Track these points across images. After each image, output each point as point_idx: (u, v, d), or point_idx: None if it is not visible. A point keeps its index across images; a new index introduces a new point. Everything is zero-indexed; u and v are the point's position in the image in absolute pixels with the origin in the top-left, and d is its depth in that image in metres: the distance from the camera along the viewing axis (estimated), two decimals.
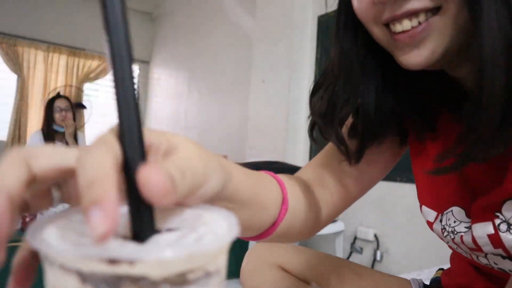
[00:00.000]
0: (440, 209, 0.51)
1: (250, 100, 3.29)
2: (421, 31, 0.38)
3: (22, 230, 2.09)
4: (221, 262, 0.22)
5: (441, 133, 0.52)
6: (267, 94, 3.11)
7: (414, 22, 0.38)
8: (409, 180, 2.28)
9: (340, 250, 2.31)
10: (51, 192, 0.25)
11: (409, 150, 0.60)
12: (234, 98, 3.97)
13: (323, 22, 2.95)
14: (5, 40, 4.99)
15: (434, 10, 0.37)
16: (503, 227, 0.41)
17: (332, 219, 0.60)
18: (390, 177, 2.39)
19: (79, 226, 0.20)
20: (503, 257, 0.44)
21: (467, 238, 0.45)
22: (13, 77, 5.14)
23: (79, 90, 5.46)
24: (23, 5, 5.12)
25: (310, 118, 0.55)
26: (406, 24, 0.38)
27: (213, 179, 0.28)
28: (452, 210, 0.48)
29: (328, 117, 0.52)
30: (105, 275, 0.17)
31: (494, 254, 0.44)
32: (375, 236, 2.46)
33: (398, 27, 0.39)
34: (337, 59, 0.52)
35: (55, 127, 2.70)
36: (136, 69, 6.17)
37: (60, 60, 5.41)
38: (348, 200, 0.60)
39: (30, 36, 5.17)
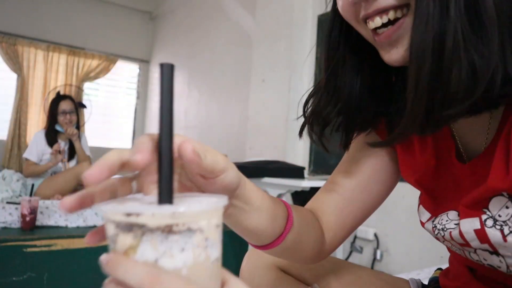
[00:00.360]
0: (435, 212, 0.54)
1: (250, 99, 3.29)
2: (395, 30, 0.42)
3: (22, 229, 2.09)
4: (204, 224, 0.30)
5: (432, 140, 0.54)
6: (267, 94, 3.11)
7: (385, 19, 0.41)
8: None
9: (340, 249, 2.32)
10: (131, 183, 0.35)
11: (398, 155, 0.62)
12: (234, 97, 3.97)
13: (323, 21, 2.95)
14: (5, 39, 4.99)
15: (405, 9, 0.41)
16: (489, 222, 0.43)
17: (338, 244, 0.63)
18: None
19: (124, 200, 0.32)
20: (491, 253, 0.45)
21: (455, 234, 0.47)
22: (13, 76, 5.14)
23: (79, 90, 5.46)
24: (23, 5, 5.12)
25: (302, 121, 0.60)
26: (377, 21, 0.42)
27: (231, 172, 0.37)
28: (447, 213, 0.51)
29: (313, 118, 0.57)
30: (124, 223, 0.28)
31: (482, 250, 0.46)
32: (375, 235, 2.47)
33: (371, 24, 0.43)
34: (326, 64, 0.56)
35: (57, 128, 2.71)
36: (136, 68, 6.18)
37: (60, 60, 5.41)
38: (350, 227, 0.64)
39: (30, 36, 5.17)
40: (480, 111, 0.42)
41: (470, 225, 0.45)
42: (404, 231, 2.32)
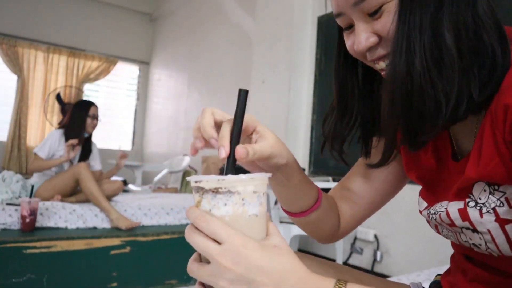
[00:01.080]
0: (431, 202, 0.61)
1: (250, 100, 3.28)
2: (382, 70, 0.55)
3: (22, 230, 2.09)
4: (241, 189, 0.43)
5: (432, 143, 0.63)
6: (267, 94, 3.11)
7: (386, 62, 0.53)
8: (409, 181, 2.28)
9: (340, 250, 2.31)
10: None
11: (402, 156, 0.70)
12: (234, 98, 3.95)
13: (323, 23, 2.95)
14: (5, 41, 5.00)
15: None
16: (472, 204, 0.51)
17: (349, 231, 0.75)
18: None
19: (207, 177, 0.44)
20: (472, 231, 0.52)
21: (444, 215, 0.55)
22: (13, 77, 5.14)
23: (79, 91, 5.47)
24: (23, 6, 5.13)
25: (322, 139, 0.71)
26: (382, 64, 0.54)
27: (277, 158, 0.55)
28: (441, 203, 0.58)
29: (332, 137, 0.68)
30: (195, 187, 0.44)
31: (466, 228, 0.53)
32: (375, 236, 2.46)
33: (377, 66, 0.55)
34: (337, 89, 0.66)
35: (82, 132, 2.68)
36: (136, 70, 6.18)
37: (60, 61, 5.41)
38: (361, 219, 0.76)
39: (30, 37, 5.18)
40: (464, 118, 0.49)
41: (455, 206, 0.53)
42: (404, 232, 2.32)
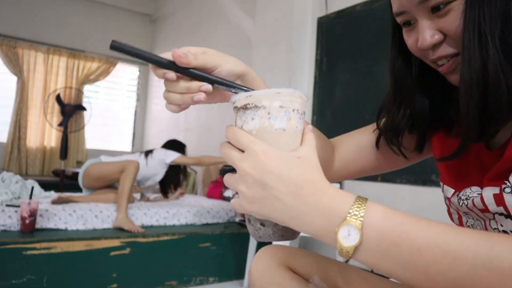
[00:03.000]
0: (459, 188, 0.61)
1: None
2: (450, 65, 0.56)
3: (22, 232, 2.09)
4: (267, 103, 0.45)
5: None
6: None
7: (446, 60, 0.56)
8: (408, 181, 2.28)
9: None
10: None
11: (433, 142, 0.70)
12: None
13: (323, 24, 2.95)
14: (5, 42, 5.00)
15: (456, 54, 0.55)
16: (508, 190, 0.51)
17: (342, 175, 0.75)
18: (389, 179, 2.39)
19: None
20: (506, 216, 0.52)
21: (477, 200, 0.55)
22: (13, 79, 5.14)
23: (79, 92, 5.47)
24: (23, 7, 5.13)
25: (377, 132, 0.72)
26: (443, 61, 0.56)
27: (229, 65, 0.52)
28: (470, 188, 0.58)
29: (389, 131, 0.68)
30: (233, 108, 0.48)
31: (499, 214, 0.53)
32: None
33: (439, 63, 0.57)
34: (393, 84, 0.67)
35: None
36: (135, 71, 6.18)
37: (60, 62, 5.41)
38: (360, 170, 0.76)
39: (30, 38, 5.18)
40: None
41: (491, 191, 0.53)
42: None
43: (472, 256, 0.38)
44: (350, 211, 0.40)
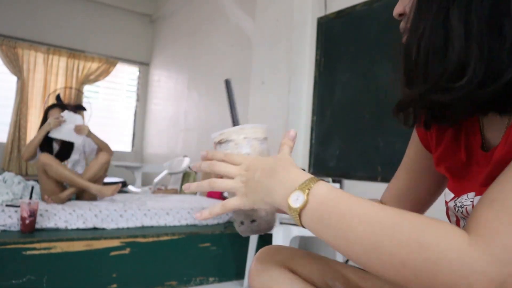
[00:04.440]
0: (458, 193, 0.61)
1: (249, 101, 3.29)
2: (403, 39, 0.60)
3: (22, 232, 2.09)
4: (235, 137, 0.59)
5: (464, 133, 0.64)
6: (267, 96, 3.11)
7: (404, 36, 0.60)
8: None
9: None
10: None
11: (432, 151, 0.71)
12: None
13: (323, 24, 2.95)
14: (5, 42, 5.00)
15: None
16: None
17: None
18: (389, 179, 2.39)
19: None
20: None
21: (470, 208, 0.56)
22: (13, 79, 5.14)
23: (79, 92, 5.47)
24: (23, 8, 5.13)
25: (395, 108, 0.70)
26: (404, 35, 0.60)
27: None
28: (467, 194, 0.59)
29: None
30: (213, 142, 0.62)
31: None
32: None
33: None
34: None
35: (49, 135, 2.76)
36: (135, 71, 6.18)
37: (60, 62, 5.41)
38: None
39: (30, 38, 5.18)
40: (505, 112, 0.52)
41: None
42: None
43: (380, 225, 0.44)
44: (304, 183, 0.51)
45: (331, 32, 2.89)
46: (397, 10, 0.61)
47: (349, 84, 2.72)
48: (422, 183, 0.76)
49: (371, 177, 2.51)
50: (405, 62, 0.56)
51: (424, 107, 0.56)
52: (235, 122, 0.65)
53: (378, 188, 2.48)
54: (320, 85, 2.94)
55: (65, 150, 2.77)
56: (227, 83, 0.67)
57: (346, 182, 2.67)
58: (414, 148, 0.76)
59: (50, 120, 2.67)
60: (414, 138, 0.76)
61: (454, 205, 0.61)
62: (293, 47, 2.95)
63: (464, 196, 0.59)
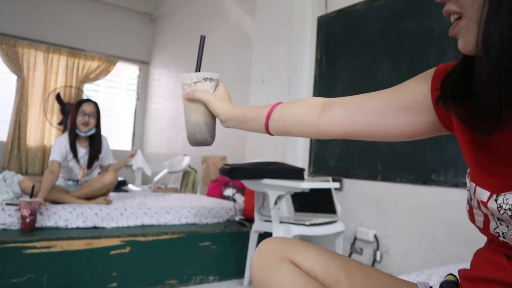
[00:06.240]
0: (497, 190, 0.54)
1: (250, 100, 3.29)
2: (452, 28, 0.55)
3: (22, 231, 2.09)
4: (194, 85, 0.88)
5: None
6: (267, 94, 3.11)
7: (453, 19, 0.55)
8: (408, 181, 2.28)
9: (340, 250, 2.31)
10: None
11: (460, 136, 0.63)
12: (234, 98, 3.94)
13: (323, 23, 2.95)
14: (5, 41, 4.99)
15: (461, 14, 0.53)
16: None
17: (334, 126, 0.73)
18: (389, 178, 2.39)
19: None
20: None
21: None
22: (13, 78, 5.14)
23: (79, 91, 5.47)
24: (23, 6, 5.13)
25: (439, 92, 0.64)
26: (452, 20, 0.55)
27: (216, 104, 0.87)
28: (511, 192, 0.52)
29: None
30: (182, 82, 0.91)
31: None
32: (375, 236, 2.46)
33: (451, 18, 0.56)
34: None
35: (77, 131, 2.63)
36: (135, 70, 6.18)
37: (60, 61, 5.41)
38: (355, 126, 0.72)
39: (30, 37, 5.18)
40: None
41: None
42: (404, 232, 2.32)
43: None
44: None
45: (331, 31, 2.88)
46: None
47: (349, 83, 2.72)
48: (399, 121, 0.67)
49: (371, 176, 2.51)
50: (486, 53, 0.48)
51: None
52: (197, 69, 0.88)
53: (378, 187, 2.49)
54: (320, 84, 2.94)
55: (91, 161, 2.71)
56: (202, 38, 0.93)
57: (346, 181, 2.67)
58: (419, 92, 0.66)
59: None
60: (422, 88, 0.66)
61: (498, 207, 0.53)
62: (293, 46, 2.94)
63: (508, 196, 0.53)
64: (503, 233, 0.55)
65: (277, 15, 3.07)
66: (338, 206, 2.40)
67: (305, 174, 2.31)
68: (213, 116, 0.88)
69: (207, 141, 0.88)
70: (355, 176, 2.62)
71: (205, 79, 0.86)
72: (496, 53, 0.47)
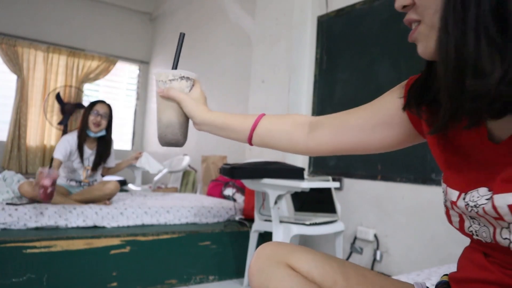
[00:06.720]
0: (464, 189, 0.57)
1: (249, 100, 3.29)
2: (411, 33, 0.57)
3: (43, 200, 2.12)
4: (170, 83, 0.84)
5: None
6: (267, 94, 3.11)
7: (413, 26, 0.57)
8: (408, 180, 2.28)
9: (340, 250, 2.31)
10: None
11: (430, 141, 0.66)
12: (234, 98, 3.98)
13: (323, 23, 2.95)
14: (5, 40, 4.99)
15: (420, 21, 0.56)
16: None
17: (324, 147, 0.79)
18: (389, 178, 2.39)
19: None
20: None
21: (488, 208, 0.52)
22: (13, 77, 5.14)
23: (79, 91, 5.46)
24: (23, 6, 5.13)
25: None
26: (412, 26, 0.57)
27: (189, 105, 0.84)
28: (478, 190, 0.55)
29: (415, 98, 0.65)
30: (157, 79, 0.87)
31: None
32: (375, 236, 2.47)
33: (412, 26, 0.58)
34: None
35: (87, 131, 2.58)
36: (135, 69, 6.18)
37: (60, 61, 5.41)
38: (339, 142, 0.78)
39: (30, 37, 5.18)
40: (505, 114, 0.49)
41: (503, 200, 0.50)
42: (404, 232, 2.32)
43: None
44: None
45: (331, 30, 2.88)
46: (402, 1, 0.56)
47: (349, 82, 2.72)
48: (377, 136, 0.72)
49: (371, 175, 2.51)
50: (443, 57, 0.50)
51: (487, 105, 0.48)
52: (174, 67, 0.86)
53: (378, 187, 2.49)
54: (320, 83, 2.94)
55: (96, 163, 2.68)
56: (181, 35, 0.90)
57: (346, 181, 2.67)
58: (393, 105, 0.70)
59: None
60: (396, 101, 0.70)
61: (465, 205, 0.56)
62: (293, 46, 2.94)
63: (474, 193, 0.55)
64: (476, 231, 0.58)
65: (277, 15, 3.07)
66: (338, 206, 2.40)
67: (305, 173, 2.31)
68: (186, 116, 0.84)
69: (179, 142, 0.85)
70: (355, 175, 2.62)
71: (182, 77, 0.84)
72: (451, 58, 0.48)
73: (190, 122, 0.86)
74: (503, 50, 0.45)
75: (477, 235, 0.58)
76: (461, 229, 0.61)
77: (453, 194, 0.59)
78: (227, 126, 0.83)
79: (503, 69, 0.45)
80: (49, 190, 2.08)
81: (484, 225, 0.55)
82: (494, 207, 0.51)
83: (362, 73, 2.62)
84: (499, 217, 0.51)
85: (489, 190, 0.53)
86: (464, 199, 0.56)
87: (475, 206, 0.54)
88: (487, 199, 0.52)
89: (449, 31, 0.48)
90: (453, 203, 0.59)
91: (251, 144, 0.84)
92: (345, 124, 0.76)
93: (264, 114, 0.82)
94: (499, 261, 0.56)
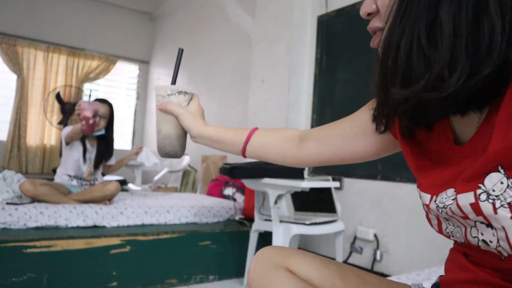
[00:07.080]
0: (435, 191, 0.59)
1: (249, 100, 3.29)
2: (373, 39, 0.61)
3: (84, 132, 2.20)
4: (162, 93, 0.88)
5: (435, 131, 0.62)
6: (267, 94, 3.11)
7: (374, 33, 0.60)
8: (408, 180, 2.28)
9: (340, 250, 2.31)
10: None
11: (402, 147, 0.70)
12: (234, 98, 3.97)
13: (323, 22, 2.95)
14: (5, 40, 4.99)
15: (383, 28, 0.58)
16: (483, 196, 0.49)
17: (312, 162, 0.83)
18: (389, 177, 2.39)
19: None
20: (486, 225, 0.51)
21: (454, 208, 0.53)
22: (13, 77, 5.14)
23: (79, 90, 5.46)
24: (23, 6, 5.13)
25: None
26: (376, 33, 0.60)
27: (187, 119, 0.87)
28: (446, 192, 0.56)
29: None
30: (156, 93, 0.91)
31: (480, 222, 0.51)
32: (375, 236, 2.47)
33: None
34: None
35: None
36: (135, 69, 6.18)
37: (60, 60, 5.41)
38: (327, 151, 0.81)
39: (30, 36, 5.18)
40: (467, 112, 0.53)
41: (466, 199, 0.51)
42: (404, 231, 2.33)
43: None
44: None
45: (331, 30, 2.88)
46: (367, 8, 0.58)
47: (349, 82, 2.72)
48: (359, 145, 0.76)
49: (371, 175, 2.51)
50: (383, 63, 0.54)
51: (412, 109, 0.53)
52: (173, 82, 0.89)
53: (378, 187, 2.49)
54: (320, 83, 2.94)
55: (98, 161, 2.68)
56: (180, 51, 0.93)
57: (346, 180, 2.67)
58: (368, 117, 0.74)
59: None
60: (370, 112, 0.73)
61: (437, 207, 0.58)
62: (293, 46, 2.94)
63: (443, 195, 0.57)
64: (451, 232, 0.59)
65: (277, 15, 3.07)
66: (338, 205, 2.40)
67: (305, 173, 2.31)
68: (184, 129, 0.88)
69: (177, 153, 0.89)
70: (355, 175, 2.62)
71: (179, 92, 0.88)
72: (403, 66, 0.51)
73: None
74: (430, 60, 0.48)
75: (453, 236, 0.60)
76: (440, 231, 0.62)
77: (426, 197, 0.61)
78: (222, 140, 0.87)
79: (429, 75, 0.48)
80: (91, 121, 2.07)
81: (457, 226, 0.57)
82: (458, 207, 0.53)
83: (362, 72, 2.62)
84: (465, 216, 0.53)
85: (455, 191, 0.55)
86: (435, 201, 0.58)
87: (443, 207, 0.56)
88: (452, 200, 0.54)
89: (394, 37, 0.51)
90: (427, 206, 0.61)
91: (244, 156, 0.87)
92: (330, 135, 0.79)
93: (257, 128, 0.87)
94: (478, 260, 0.58)
